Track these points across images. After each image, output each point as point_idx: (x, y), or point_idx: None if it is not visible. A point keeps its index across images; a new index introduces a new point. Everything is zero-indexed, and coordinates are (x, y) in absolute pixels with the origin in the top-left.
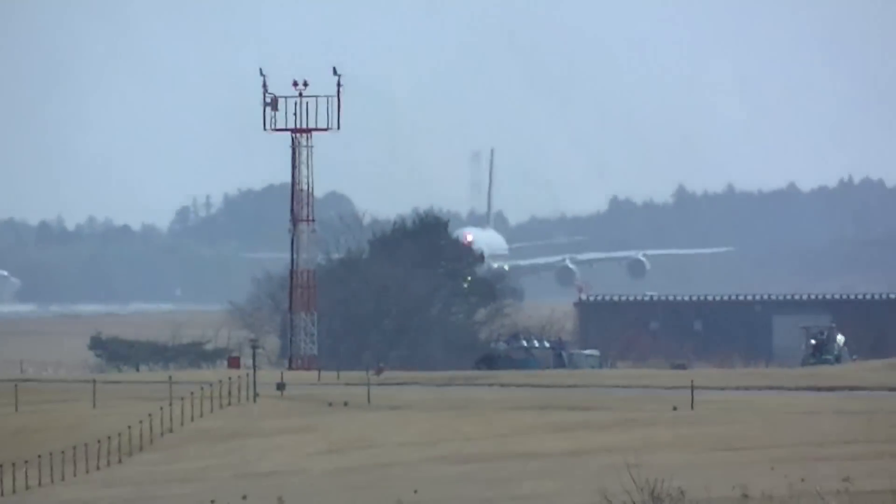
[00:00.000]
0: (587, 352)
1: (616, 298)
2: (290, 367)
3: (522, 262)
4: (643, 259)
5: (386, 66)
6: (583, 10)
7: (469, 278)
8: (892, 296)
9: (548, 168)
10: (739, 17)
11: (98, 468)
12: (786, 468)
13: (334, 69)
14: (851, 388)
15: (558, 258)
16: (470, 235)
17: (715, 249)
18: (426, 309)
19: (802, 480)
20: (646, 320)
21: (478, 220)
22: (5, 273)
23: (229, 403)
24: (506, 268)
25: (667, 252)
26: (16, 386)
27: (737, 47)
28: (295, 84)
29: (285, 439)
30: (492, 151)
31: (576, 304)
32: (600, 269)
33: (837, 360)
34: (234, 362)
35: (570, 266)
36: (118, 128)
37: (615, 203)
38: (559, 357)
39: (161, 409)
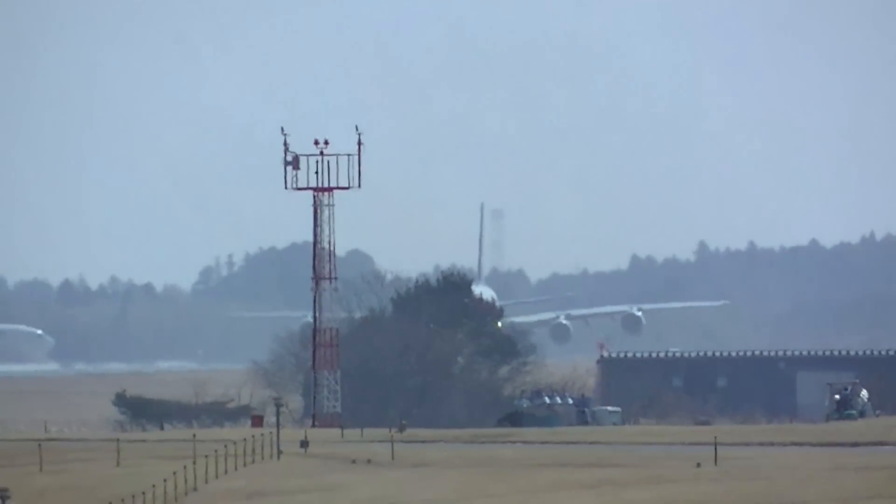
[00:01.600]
0: (610, 408)
1: (638, 355)
2: (313, 425)
3: (516, 320)
4: (638, 314)
5: (407, 125)
6: (603, 69)
7: (499, 324)
8: None
9: (568, 225)
10: (764, 73)
11: None
12: None
13: (356, 127)
14: (875, 444)
15: (552, 314)
16: None
17: (709, 303)
18: (449, 366)
19: None
20: (668, 377)
21: (497, 277)
22: (40, 332)
23: (253, 462)
24: (499, 325)
25: (658, 306)
26: (39, 445)
27: (760, 104)
28: (316, 143)
29: (309, 497)
30: (482, 206)
31: (598, 362)
32: (596, 325)
33: (861, 415)
34: (257, 421)
35: (564, 322)
36: (141, 187)
37: (636, 260)
38: (582, 414)
39: (185, 467)
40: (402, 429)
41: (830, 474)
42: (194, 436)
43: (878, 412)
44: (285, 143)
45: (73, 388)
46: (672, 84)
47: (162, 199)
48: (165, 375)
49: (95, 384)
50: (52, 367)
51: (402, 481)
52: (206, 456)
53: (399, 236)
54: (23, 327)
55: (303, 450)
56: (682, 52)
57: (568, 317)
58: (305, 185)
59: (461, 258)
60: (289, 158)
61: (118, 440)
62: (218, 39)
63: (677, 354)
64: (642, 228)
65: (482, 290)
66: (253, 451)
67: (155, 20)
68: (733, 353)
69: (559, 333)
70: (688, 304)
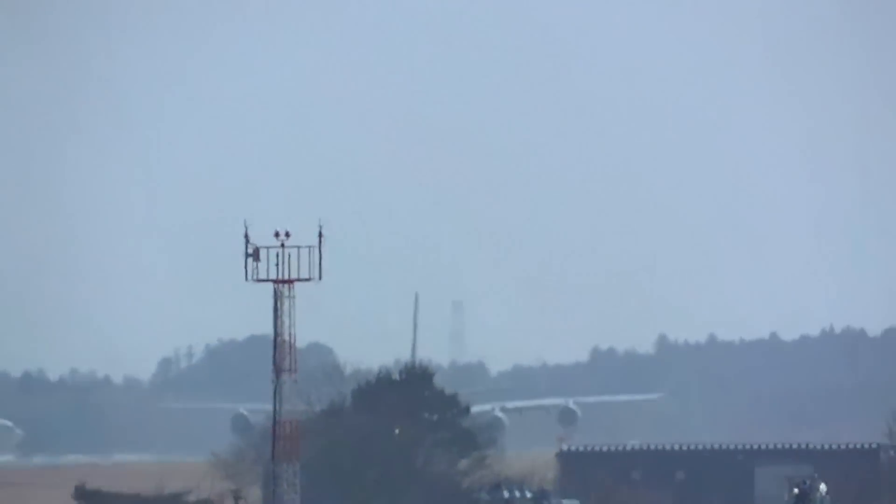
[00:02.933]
0: (567, 501)
1: (598, 448)
2: None
3: None
4: (574, 407)
5: (367, 217)
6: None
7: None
8: (873, 445)
9: (529, 317)
10: (720, 158)
11: None
12: None
13: (319, 224)
14: None
15: (487, 407)
16: None
17: (645, 396)
18: (410, 459)
19: None
20: (627, 470)
21: (457, 369)
22: (9, 423)
23: None
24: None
25: (596, 399)
26: None
27: (716, 199)
28: (276, 234)
29: None
30: (416, 296)
31: (557, 455)
32: (531, 418)
33: None
34: None
35: (500, 415)
36: (99, 278)
37: (596, 352)
38: None
39: None
40: None
41: None
42: None
43: None
44: (246, 235)
45: (30, 480)
46: (630, 173)
47: (121, 291)
48: (124, 467)
49: (54, 476)
50: (8, 458)
51: None
52: None
53: (360, 329)
54: None
55: None
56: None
57: (503, 409)
58: (266, 277)
59: (429, 352)
60: (249, 250)
61: None
62: (176, 127)
63: (636, 447)
64: (603, 321)
65: None
66: None
67: (115, 103)
68: (692, 446)
69: (494, 426)
70: (624, 397)
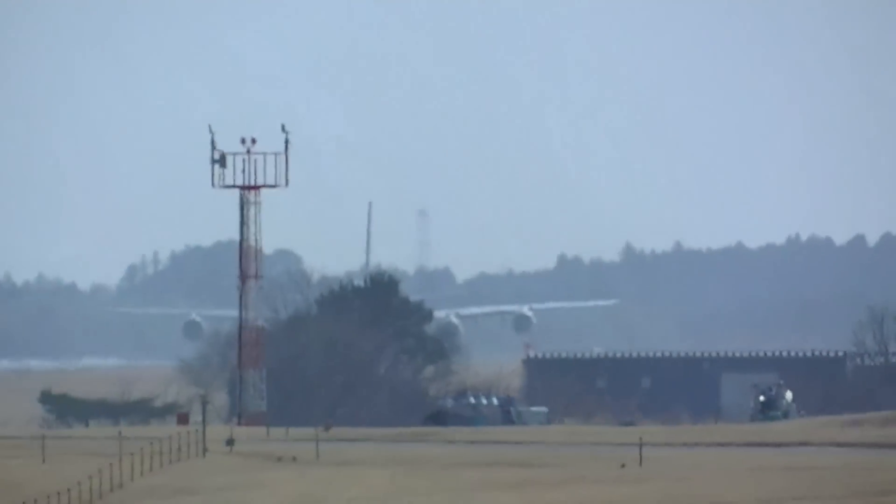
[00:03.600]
0: (535, 409)
1: (563, 355)
2: (239, 424)
3: None
4: (529, 314)
5: (334, 124)
6: (534, 70)
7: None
8: (839, 353)
9: (496, 226)
10: (680, 73)
11: None
12: None
13: (283, 126)
14: (800, 445)
15: (442, 314)
16: None
17: (601, 302)
18: (374, 366)
19: None
20: (592, 377)
21: (425, 278)
22: None
23: (178, 459)
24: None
25: (555, 305)
26: None
27: (686, 103)
28: (243, 141)
29: (234, 495)
30: (370, 205)
31: (524, 361)
32: (485, 324)
33: (786, 416)
34: (182, 418)
35: (454, 321)
36: (66, 185)
37: (563, 260)
38: (507, 414)
39: (111, 465)
40: (327, 427)
41: (755, 475)
42: (120, 433)
43: (801, 413)
44: (212, 141)
45: None
46: (602, 83)
47: (88, 196)
48: (91, 373)
49: (19, 381)
50: None
51: (328, 479)
52: (132, 453)
53: (327, 237)
54: None
55: (228, 448)
56: (620, 52)
57: (458, 315)
58: (232, 184)
59: (388, 258)
60: (216, 156)
61: (43, 437)
62: (147, 34)
63: (601, 355)
64: (569, 229)
65: None
66: (179, 448)
67: (87, 11)
68: (658, 354)
69: (448, 332)
70: (581, 303)
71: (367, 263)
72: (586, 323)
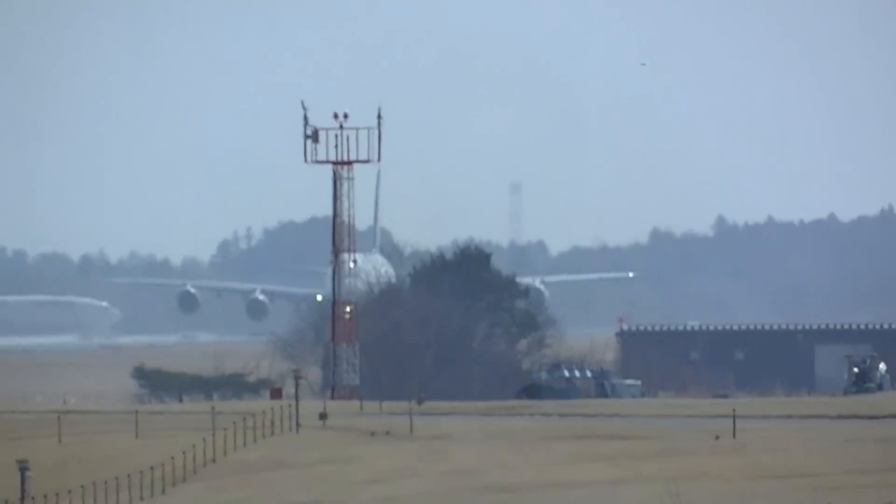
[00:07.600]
0: (629, 381)
1: (657, 328)
2: (332, 398)
3: None
4: (541, 287)
5: (426, 99)
6: (619, 52)
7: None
8: None
9: (589, 200)
10: (775, 48)
11: (141, 499)
12: (829, 496)
13: (376, 101)
14: (893, 417)
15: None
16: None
17: (617, 274)
18: (468, 340)
19: None
20: (687, 350)
21: (517, 252)
22: (105, 304)
23: (272, 434)
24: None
25: (563, 278)
26: (59, 417)
27: (775, 81)
28: (335, 116)
29: (328, 469)
30: (378, 172)
31: (617, 334)
32: None
33: (880, 388)
34: (276, 393)
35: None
36: (161, 161)
37: (656, 234)
38: (601, 387)
39: (204, 440)
40: (420, 401)
41: (848, 447)
42: (213, 408)
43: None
44: (305, 117)
45: (91, 361)
46: (697, 57)
47: (180, 173)
48: (184, 348)
49: (114, 357)
50: (70, 338)
51: (421, 453)
52: (225, 428)
53: (418, 210)
54: (88, 300)
55: (321, 422)
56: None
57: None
58: (325, 159)
59: (480, 232)
60: (308, 132)
61: (137, 412)
62: (237, 13)
63: (696, 328)
64: (662, 202)
65: (375, 260)
66: (272, 423)
67: None
68: (751, 327)
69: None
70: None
71: (375, 231)
72: (678, 296)
